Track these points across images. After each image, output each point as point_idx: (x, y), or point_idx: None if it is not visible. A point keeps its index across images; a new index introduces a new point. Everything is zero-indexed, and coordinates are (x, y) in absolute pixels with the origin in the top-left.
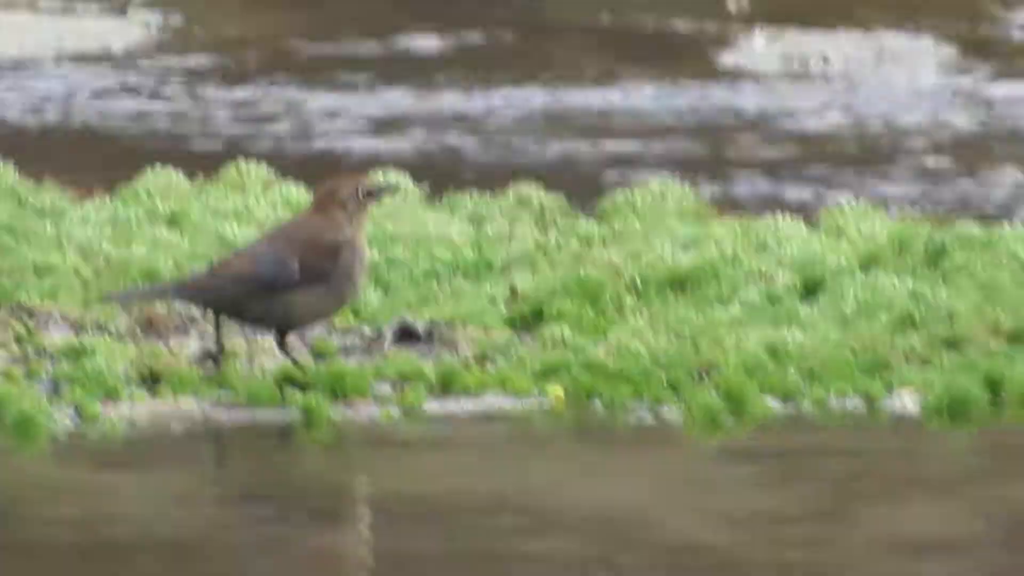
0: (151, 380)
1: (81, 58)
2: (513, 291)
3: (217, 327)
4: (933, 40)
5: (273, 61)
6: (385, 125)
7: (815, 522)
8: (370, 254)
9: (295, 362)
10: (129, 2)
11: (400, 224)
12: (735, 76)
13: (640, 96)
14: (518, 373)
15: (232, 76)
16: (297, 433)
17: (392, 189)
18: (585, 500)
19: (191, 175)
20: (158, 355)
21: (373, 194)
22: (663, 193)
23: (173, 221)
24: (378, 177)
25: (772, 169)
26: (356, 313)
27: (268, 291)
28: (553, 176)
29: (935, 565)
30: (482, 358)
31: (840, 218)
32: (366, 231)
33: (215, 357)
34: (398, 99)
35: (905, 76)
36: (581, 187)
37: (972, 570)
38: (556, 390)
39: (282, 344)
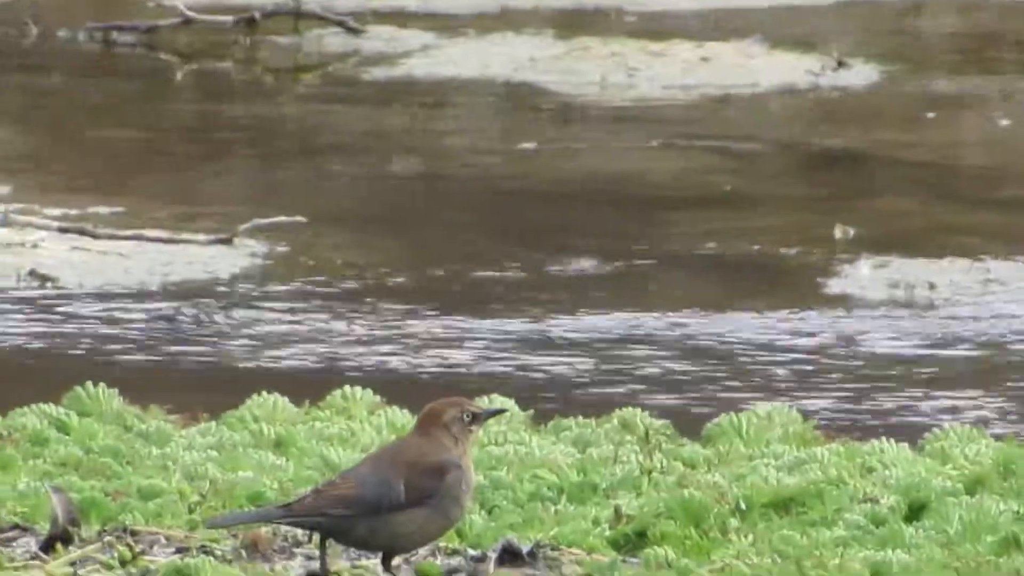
0: None
1: (187, 286)
2: (617, 512)
3: (322, 550)
4: None
5: (379, 288)
6: (491, 351)
7: None
8: (476, 476)
9: None
10: (236, 232)
11: (505, 447)
12: (842, 304)
13: (745, 324)
14: None
15: (338, 303)
16: None
17: (498, 413)
18: None
19: (297, 400)
20: None
21: (478, 417)
22: (769, 416)
23: (279, 445)
24: (484, 401)
25: (879, 395)
26: (460, 535)
27: (373, 513)
28: (657, 401)
29: None
30: None
31: (944, 441)
32: (471, 454)
33: None
34: (506, 325)
35: (1012, 302)
36: (687, 412)
37: None
38: None
39: (387, 567)
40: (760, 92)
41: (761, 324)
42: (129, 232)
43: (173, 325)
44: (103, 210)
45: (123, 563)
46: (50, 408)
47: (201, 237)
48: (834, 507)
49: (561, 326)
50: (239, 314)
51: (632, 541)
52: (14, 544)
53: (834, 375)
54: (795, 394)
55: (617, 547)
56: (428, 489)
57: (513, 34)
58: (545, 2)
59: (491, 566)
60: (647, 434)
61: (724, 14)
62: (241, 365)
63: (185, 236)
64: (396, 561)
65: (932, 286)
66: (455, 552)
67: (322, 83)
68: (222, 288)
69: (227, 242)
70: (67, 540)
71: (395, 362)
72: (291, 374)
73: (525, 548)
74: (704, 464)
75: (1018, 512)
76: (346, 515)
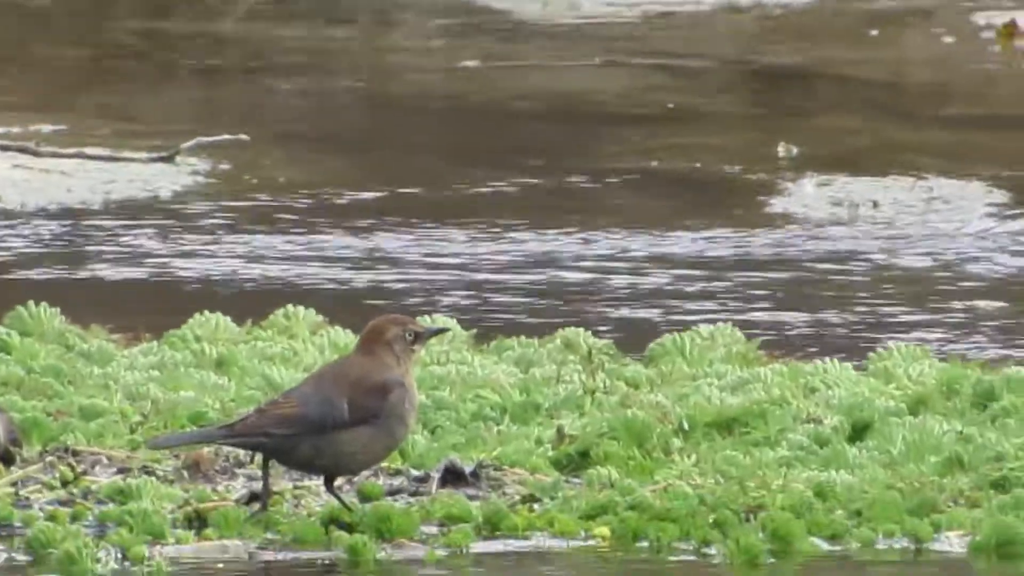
0: (197, 522)
1: (129, 204)
2: (560, 432)
3: (265, 470)
4: (983, 185)
5: (323, 207)
6: (433, 269)
7: None
8: (419, 396)
9: (343, 503)
10: (178, 150)
11: (448, 367)
12: (785, 221)
13: (687, 241)
14: (565, 514)
15: (280, 222)
16: (343, 574)
17: (440, 332)
18: None
19: (239, 319)
20: (204, 497)
21: (420, 336)
22: (712, 336)
23: (220, 364)
24: (426, 321)
25: (820, 312)
26: (403, 455)
27: (317, 432)
28: (600, 319)
29: None
30: (529, 499)
31: (888, 361)
32: (414, 373)
33: (262, 499)
34: (450, 245)
35: (954, 221)
36: (628, 331)
37: None
38: (603, 531)
39: (330, 488)
40: (704, 9)
41: (704, 242)
42: (71, 150)
43: (114, 242)
44: (45, 128)
45: (65, 483)
46: None
47: (143, 155)
48: (777, 427)
49: (504, 244)
50: (180, 232)
51: (575, 461)
52: None
53: (777, 294)
54: (738, 314)
55: (560, 467)
56: (372, 408)
57: None
58: None
59: (434, 486)
60: (590, 354)
61: None
62: (182, 284)
63: (127, 154)
64: (339, 482)
65: (875, 204)
66: (397, 472)
67: (266, 0)
68: (163, 206)
69: (169, 160)
70: (8, 460)
71: (338, 281)
72: (232, 293)
73: (468, 468)
74: (647, 384)
75: (961, 432)
76: (289, 434)
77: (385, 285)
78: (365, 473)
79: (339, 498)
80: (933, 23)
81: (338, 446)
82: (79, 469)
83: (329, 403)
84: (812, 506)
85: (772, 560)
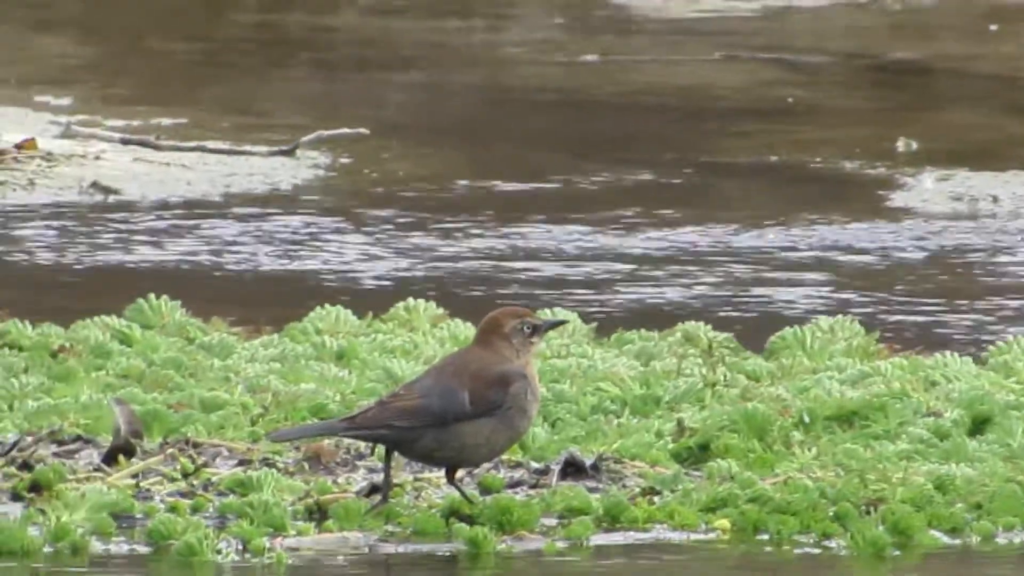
0: (318, 514)
1: (249, 198)
2: (680, 425)
3: (387, 461)
4: None
5: (441, 199)
6: (554, 263)
7: None
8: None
9: (464, 495)
10: (299, 143)
11: (568, 360)
12: (904, 216)
13: (807, 234)
14: (685, 507)
15: (400, 215)
16: (463, 566)
17: (558, 324)
18: None
19: (359, 312)
20: (325, 489)
21: (539, 329)
22: (832, 330)
23: (341, 357)
24: (546, 314)
25: (942, 306)
26: (523, 448)
27: (439, 424)
28: (721, 313)
29: None
30: (649, 492)
31: (1008, 354)
32: (535, 365)
33: (383, 491)
34: (570, 237)
35: None
36: (750, 324)
37: None
38: (723, 523)
39: (451, 479)
40: (823, 4)
41: (824, 236)
42: (191, 144)
43: (236, 236)
44: (165, 121)
45: (185, 475)
46: (112, 320)
47: (263, 149)
48: (897, 421)
49: (626, 238)
50: (300, 226)
51: (695, 454)
52: (77, 456)
53: (897, 288)
54: (858, 307)
55: (680, 460)
56: (494, 400)
57: None
58: None
59: (554, 479)
60: (710, 347)
61: None
62: (304, 277)
63: (247, 147)
64: (460, 474)
65: (995, 199)
66: (518, 465)
67: None
68: (284, 200)
69: (289, 154)
70: (129, 452)
71: (459, 275)
72: (354, 287)
73: (588, 461)
74: (767, 377)
75: None
76: (411, 427)
77: (506, 278)
78: (486, 465)
79: (460, 490)
80: None
81: (460, 438)
82: (200, 461)
83: (451, 395)
84: (932, 499)
85: (894, 553)
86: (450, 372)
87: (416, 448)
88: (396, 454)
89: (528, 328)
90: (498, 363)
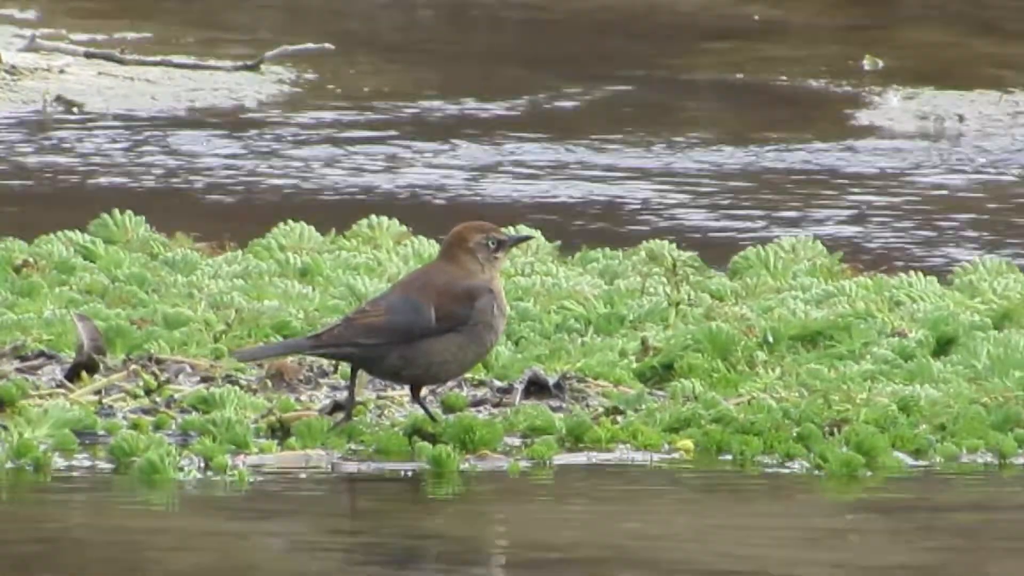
0: (281, 432)
1: (214, 113)
2: (644, 344)
3: (352, 379)
4: None
5: (407, 117)
6: (519, 180)
7: (944, 575)
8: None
9: (428, 413)
10: (263, 58)
11: (532, 278)
12: (870, 134)
13: (772, 153)
14: (648, 426)
15: (364, 131)
16: (426, 484)
17: (523, 240)
18: (712, 552)
19: (323, 229)
20: (288, 407)
21: (504, 244)
22: (795, 249)
23: (305, 274)
24: (510, 231)
25: (904, 227)
26: (487, 366)
27: (405, 341)
28: (683, 233)
29: None
30: (613, 411)
31: (973, 275)
32: (501, 281)
33: (346, 409)
34: (534, 156)
35: None
36: (714, 243)
37: None
38: (686, 444)
39: (416, 397)
40: None
41: (789, 155)
42: (156, 58)
43: (199, 151)
44: (130, 35)
45: (148, 392)
46: (76, 235)
47: (228, 63)
48: (862, 341)
49: (591, 156)
50: (265, 141)
51: (659, 374)
52: (39, 372)
53: (862, 207)
54: (823, 226)
55: (644, 379)
56: (460, 314)
57: None
58: None
59: (517, 397)
60: (674, 266)
61: None
62: (267, 193)
63: (212, 62)
64: (423, 392)
65: (961, 118)
66: (481, 383)
67: None
68: (248, 115)
69: (254, 68)
70: (92, 368)
71: (421, 191)
72: (318, 203)
73: (551, 380)
74: (732, 296)
75: None
76: (378, 344)
77: (467, 195)
78: (450, 384)
79: (425, 408)
80: None
81: (427, 355)
82: (162, 378)
83: (417, 310)
84: (896, 420)
85: (857, 474)
86: (416, 287)
87: (383, 366)
88: (361, 372)
89: (493, 243)
90: (464, 278)
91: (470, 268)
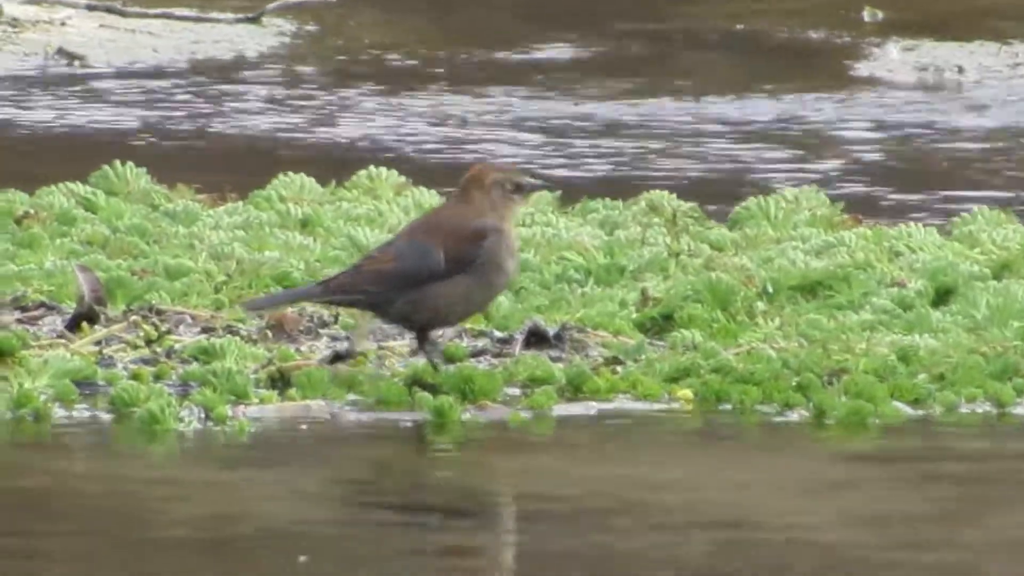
0: (280, 382)
1: (215, 65)
2: (644, 295)
3: (359, 326)
4: None
5: (409, 68)
6: (519, 131)
7: (943, 525)
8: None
9: (432, 362)
10: (264, 10)
11: (532, 228)
12: (869, 86)
13: (770, 105)
14: (648, 376)
15: (365, 82)
16: (426, 435)
17: (543, 187)
18: (712, 501)
19: (323, 180)
20: (288, 357)
21: (522, 188)
22: (797, 200)
23: (305, 225)
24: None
25: (906, 177)
26: (487, 317)
27: (413, 286)
28: (685, 183)
29: None
30: (612, 361)
31: (972, 225)
32: (514, 223)
33: (345, 359)
34: (532, 106)
35: None
36: (714, 194)
37: None
38: (686, 393)
39: (423, 342)
40: None
41: (788, 107)
42: (157, 10)
43: (201, 103)
44: None
45: (148, 342)
46: (77, 187)
47: (229, 15)
48: (861, 291)
49: (589, 108)
50: (266, 93)
51: (658, 324)
52: (40, 323)
53: (863, 158)
54: (823, 177)
55: (643, 330)
56: (468, 254)
57: None
58: None
59: (517, 348)
60: (674, 216)
61: None
62: (269, 144)
63: (213, 14)
64: (435, 335)
65: (961, 69)
66: (481, 334)
67: None
68: (250, 67)
69: (255, 21)
70: (93, 319)
71: (423, 143)
72: (318, 154)
73: (551, 330)
74: (731, 247)
75: None
76: (386, 290)
77: (468, 147)
78: (449, 333)
79: (429, 356)
80: None
81: (435, 299)
82: (163, 328)
83: (424, 253)
84: (895, 370)
85: (856, 423)
86: (423, 230)
87: (392, 312)
88: (362, 320)
89: (511, 185)
90: (474, 217)
91: (482, 207)
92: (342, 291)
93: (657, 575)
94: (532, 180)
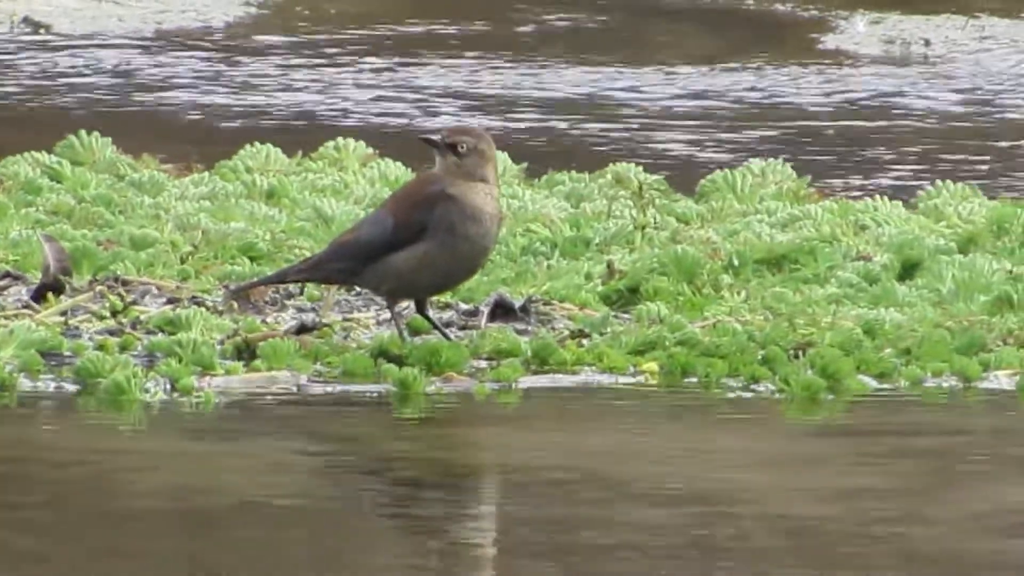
0: (246, 353)
1: (181, 34)
2: (610, 268)
3: (325, 297)
4: None
5: (375, 39)
6: (488, 104)
7: (908, 499)
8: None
9: (400, 333)
10: None
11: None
12: (836, 60)
13: (737, 77)
14: (613, 349)
15: (331, 54)
16: (391, 407)
17: (430, 143)
18: (677, 475)
19: (289, 151)
20: (254, 328)
21: (436, 146)
22: (763, 173)
23: (271, 196)
24: None
25: (872, 151)
26: (452, 290)
27: (371, 257)
28: (651, 155)
29: None
30: (578, 334)
31: (938, 199)
32: (478, 187)
33: (311, 330)
34: (501, 78)
35: (1005, 59)
36: (680, 167)
37: None
38: (651, 366)
39: (392, 313)
40: None
41: (755, 79)
42: None
43: (166, 73)
44: None
45: (114, 313)
46: (43, 156)
47: None
48: (827, 264)
49: (557, 80)
50: (232, 63)
51: (624, 296)
52: (5, 293)
53: (828, 132)
54: (789, 150)
55: (609, 302)
56: (417, 222)
57: None
58: None
59: (483, 320)
60: (640, 189)
61: None
62: (234, 115)
63: None
64: (400, 307)
65: (927, 43)
66: (447, 306)
67: None
68: (216, 37)
69: None
70: (58, 289)
71: (389, 114)
72: (284, 125)
73: (517, 303)
74: (698, 220)
75: (1011, 271)
76: (348, 260)
77: (436, 118)
78: (413, 307)
79: (399, 327)
80: None
81: (395, 267)
82: (128, 299)
83: (379, 223)
84: (861, 343)
85: (821, 397)
86: (389, 200)
87: (362, 284)
88: (330, 291)
89: (465, 148)
90: (428, 184)
91: (436, 174)
92: (309, 268)
93: (623, 547)
94: (434, 135)
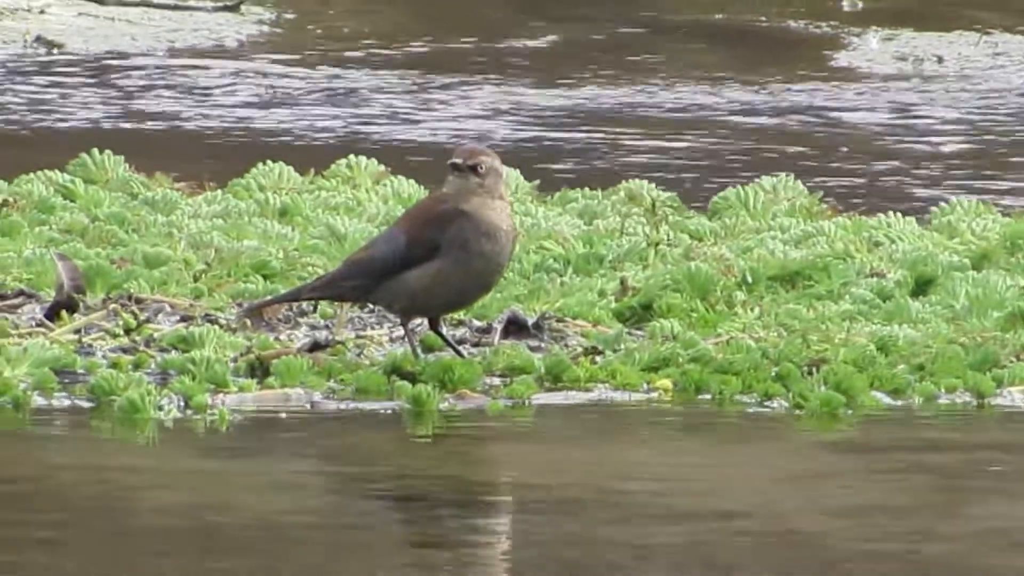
0: (260, 371)
1: (194, 54)
2: (623, 284)
3: (339, 315)
4: None
5: (387, 57)
6: (498, 120)
7: (922, 515)
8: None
9: (414, 350)
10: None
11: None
12: (849, 76)
13: (750, 95)
14: (627, 366)
15: (345, 72)
16: (405, 424)
17: (457, 168)
18: (691, 492)
19: (302, 169)
20: (267, 346)
21: (457, 167)
22: (775, 190)
23: (284, 214)
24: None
25: (885, 167)
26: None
27: (384, 275)
28: (665, 172)
29: None
30: (591, 351)
31: (952, 215)
32: (493, 205)
33: (324, 347)
34: (510, 95)
35: (1019, 76)
36: (693, 184)
37: None
38: (665, 383)
39: (406, 330)
40: None
41: (768, 96)
42: None
43: (180, 91)
44: None
45: (128, 331)
46: (56, 175)
47: (208, 4)
48: (840, 281)
49: (570, 96)
50: (245, 82)
51: (637, 313)
52: (19, 311)
53: (842, 148)
54: (802, 167)
55: (622, 319)
56: (431, 240)
57: None
58: None
59: (496, 337)
60: (654, 206)
61: None
62: (247, 134)
63: (192, 3)
64: (414, 324)
65: (940, 59)
66: (460, 323)
67: None
68: (229, 56)
69: (234, 9)
70: (72, 308)
71: (403, 132)
72: (297, 143)
73: (530, 320)
74: (711, 236)
75: None
76: (361, 278)
77: (447, 137)
78: (427, 324)
79: (410, 341)
80: None
81: (408, 285)
82: (142, 317)
83: (392, 240)
84: (875, 360)
85: (835, 413)
86: (402, 218)
87: (375, 302)
88: (344, 308)
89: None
90: (442, 202)
91: (450, 193)
92: (322, 287)
93: (635, 565)
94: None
